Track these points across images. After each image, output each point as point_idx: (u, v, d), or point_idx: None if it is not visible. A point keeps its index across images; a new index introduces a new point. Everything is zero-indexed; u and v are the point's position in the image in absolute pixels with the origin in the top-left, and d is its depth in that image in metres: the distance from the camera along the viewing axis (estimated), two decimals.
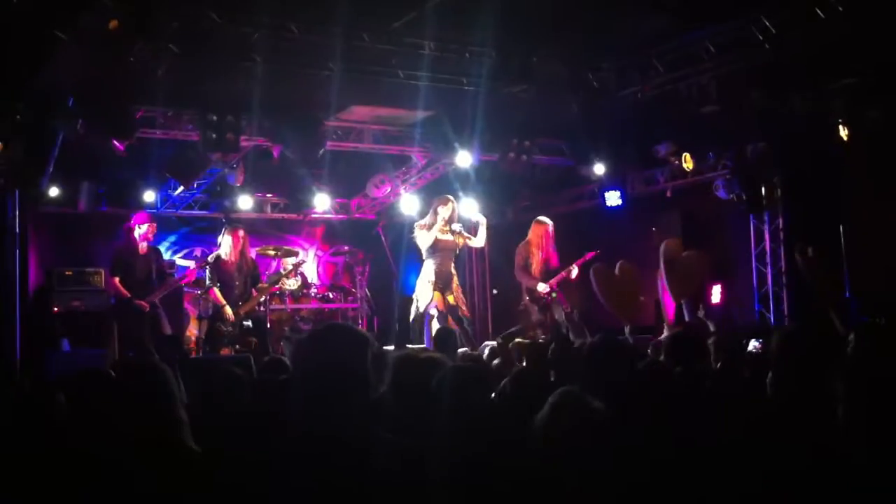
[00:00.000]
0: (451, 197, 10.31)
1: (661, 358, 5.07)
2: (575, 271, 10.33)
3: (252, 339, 9.83)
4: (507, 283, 13.43)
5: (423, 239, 9.99)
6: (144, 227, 9.67)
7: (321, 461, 2.62)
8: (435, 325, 10.07)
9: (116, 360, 8.75)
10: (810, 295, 8.96)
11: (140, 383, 3.29)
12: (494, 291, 14.09)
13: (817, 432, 3.24)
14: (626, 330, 10.33)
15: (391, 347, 7.32)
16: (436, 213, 10.03)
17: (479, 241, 10.45)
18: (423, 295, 10.02)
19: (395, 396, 3.42)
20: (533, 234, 10.49)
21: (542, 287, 10.28)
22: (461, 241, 10.21)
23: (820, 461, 3.08)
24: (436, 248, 9.99)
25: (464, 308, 10.25)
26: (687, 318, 10.62)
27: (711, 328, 9.48)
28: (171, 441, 3.17)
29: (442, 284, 10.00)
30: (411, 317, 10.15)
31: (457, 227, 10.12)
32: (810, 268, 5.85)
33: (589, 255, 10.50)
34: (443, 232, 9.98)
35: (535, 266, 10.37)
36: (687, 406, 3.85)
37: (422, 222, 10.19)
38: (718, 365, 5.25)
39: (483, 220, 10.41)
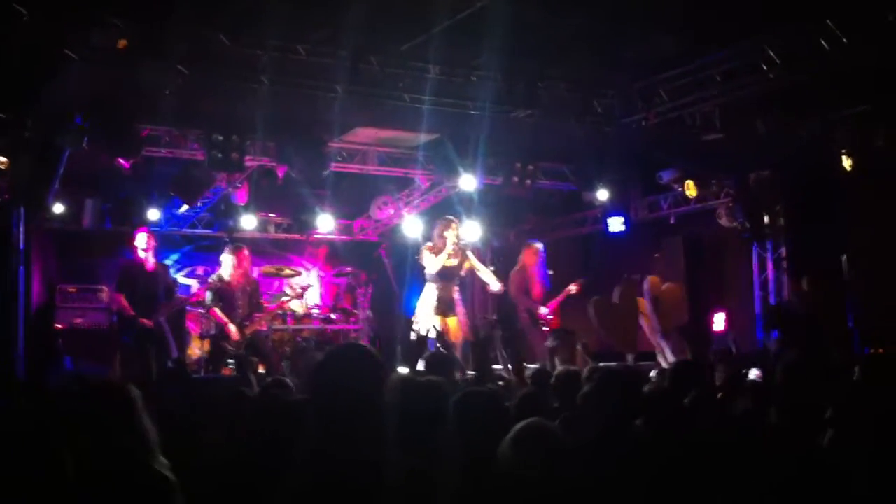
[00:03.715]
0: (453, 218, 10.25)
1: (666, 385, 5.10)
2: (574, 289, 10.39)
3: (254, 360, 9.80)
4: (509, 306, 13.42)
5: (431, 263, 9.85)
6: (140, 239, 9.57)
7: (332, 481, 2.63)
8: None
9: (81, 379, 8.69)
10: (809, 326, 9.01)
11: (102, 404, 3.24)
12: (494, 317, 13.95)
13: (815, 459, 3.26)
14: (630, 358, 10.32)
15: (403, 370, 7.27)
16: (443, 238, 9.89)
17: (494, 284, 10.33)
18: (424, 318, 9.91)
19: (395, 419, 3.43)
20: (527, 257, 10.52)
21: (544, 310, 10.31)
22: (468, 265, 10.15)
23: (816, 487, 3.10)
24: (440, 273, 9.89)
25: (467, 332, 10.16)
26: (687, 347, 10.61)
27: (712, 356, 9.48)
28: (135, 462, 3.13)
29: (443, 309, 9.94)
30: (411, 338, 10.06)
31: (470, 253, 10.10)
32: (807, 300, 5.88)
33: (579, 283, 10.52)
34: (450, 257, 9.92)
35: (533, 289, 10.40)
36: (689, 430, 3.88)
37: (430, 245, 10.10)
38: (720, 394, 5.27)
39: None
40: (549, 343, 9.94)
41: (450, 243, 9.83)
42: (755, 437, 3.53)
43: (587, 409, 3.76)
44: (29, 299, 9.30)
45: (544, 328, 10.32)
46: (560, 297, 10.42)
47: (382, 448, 2.69)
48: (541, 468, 3.00)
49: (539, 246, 10.59)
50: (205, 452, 3.31)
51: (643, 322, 11.10)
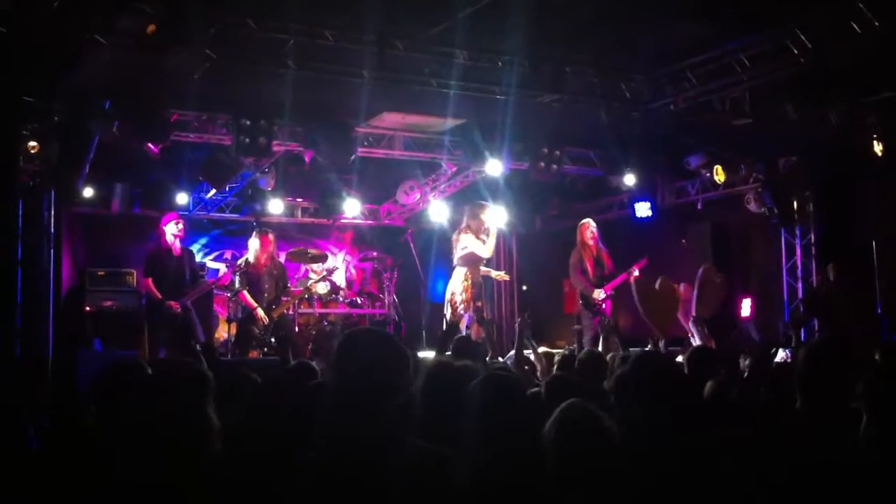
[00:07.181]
0: (484, 202, 10.25)
1: (685, 371, 5.12)
2: (636, 272, 10.32)
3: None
4: (535, 290, 13.42)
5: (480, 248, 9.77)
6: (172, 225, 9.70)
7: (349, 465, 2.64)
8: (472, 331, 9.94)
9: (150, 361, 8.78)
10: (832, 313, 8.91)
11: (176, 384, 3.29)
12: (524, 287, 13.78)
13: (838, 445, 3.24)
14: (661, 343, 10.26)
15: (430, 354, 7.29)
16: (479, 220, 9.85)
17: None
18: (458, 300, 9.85)
19: (426, 402, 3.44)
20: (581, 236, 10.47)
21: (598, 294, 10.24)
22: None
23: (837, 474, 3.08)
24: (471, 257, 9.85)
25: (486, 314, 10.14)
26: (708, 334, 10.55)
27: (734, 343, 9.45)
28: (197, 444, 3.18)
29: (476, 291, 9.87)
30: (447, 320, 9.96)
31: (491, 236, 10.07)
32: (830, 289, 5.82)
33: (642, 263, 10.41)
34: (484, 242, 9.86)
35: (590, 269, 10.35)
36: (706, 415, 3.88)
37: (464, 227, 9.97)
38: (745, 376, 5.28)
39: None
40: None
41: (488, 225, 9.82)
42: (776, 424, 3.52)
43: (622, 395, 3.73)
44: (58, 282, 9.40)
45: (597, 311, 10.27)
46: (617, 280, 10.35)
47: (399, 431, 2.69)
48: (587, 450, 2.97)
49: (586, 222, 10.53)
50: (228, 434, 3.34)
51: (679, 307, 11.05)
